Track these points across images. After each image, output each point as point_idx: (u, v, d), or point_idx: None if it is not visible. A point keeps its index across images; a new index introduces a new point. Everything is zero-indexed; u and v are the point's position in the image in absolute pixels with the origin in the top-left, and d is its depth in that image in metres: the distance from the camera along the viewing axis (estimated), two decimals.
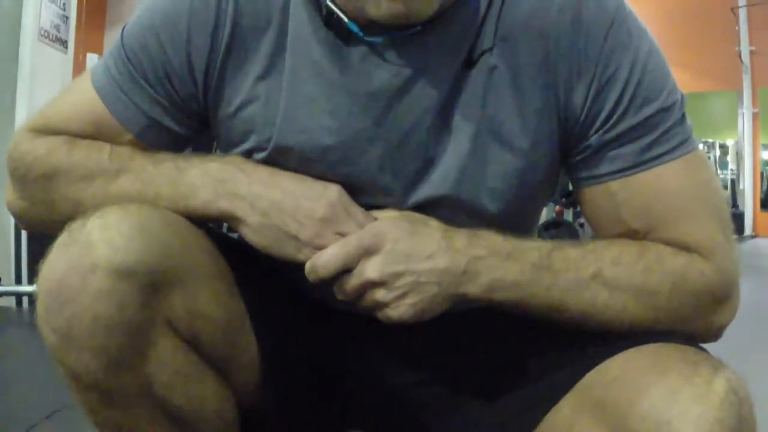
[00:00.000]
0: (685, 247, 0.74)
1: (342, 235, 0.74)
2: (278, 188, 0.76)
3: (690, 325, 0.74)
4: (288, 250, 0.75)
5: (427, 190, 0.77)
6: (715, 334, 0.76)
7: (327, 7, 0.75)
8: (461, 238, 0.73)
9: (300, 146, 0.77)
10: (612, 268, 0.73)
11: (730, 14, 7.88)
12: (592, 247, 0.75)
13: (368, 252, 0.72)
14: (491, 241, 0.74)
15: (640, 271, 0.73)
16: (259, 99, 0.78)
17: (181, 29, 0.78)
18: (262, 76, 0.78)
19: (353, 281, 0.73)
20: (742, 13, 7.99)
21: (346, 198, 0.76)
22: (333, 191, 0.76)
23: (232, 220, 0.76)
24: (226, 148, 0.81)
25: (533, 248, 0.74)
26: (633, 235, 0.76)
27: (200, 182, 0.76)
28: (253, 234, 0.76)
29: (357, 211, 0.76)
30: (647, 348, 0.69)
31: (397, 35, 0.74)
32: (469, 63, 0.75)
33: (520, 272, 0.73)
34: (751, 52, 8.05)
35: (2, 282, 2.98)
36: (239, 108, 0.79)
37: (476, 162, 0.76)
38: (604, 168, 0.76)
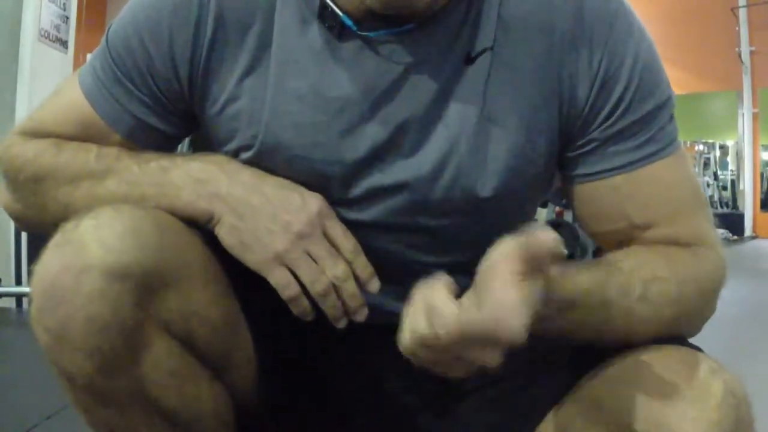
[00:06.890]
0: (686, 243, 0.75)
1: (310, 254, 0.74)
2: (258, 194, 0.75)
3: (701, 321, 0.76)
4: (252, 258, 0.74)
5: (421, 186, 0.76)
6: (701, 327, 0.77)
7: (322, 0, 0.74)
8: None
9: (288, 143, 0.76)
10: (654, 286, 0.71)
11: (730, 14, 7.86)
12: (631, 266, 0.72)
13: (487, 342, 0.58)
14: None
15: (675, 283, 0.72)
16: (244, 96, 0.77)
17: (163, 28, 0.77)
18: (247, 72, 0.77)
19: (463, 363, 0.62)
20: (742, 14, 7.97)
21: (327, 212, 0.76)
22: (313, 205, 0.75)
23: (209, 220, 0.76)
24: (216, 146, 0.81)
25: (592, 291, 0.68)
26: (632, 230, 0.76)
27: (182, 182, 0.76)
28: (225, 234, 0.75)
29: (336, 226, 0.76)
30: (645, 350, 0.69)
31: (391, 31, 0.73)
32: (468, 60, 0.75)
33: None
34: (751, 53, 8.03)
35: (2, 283, 2.98)
36: (224, 106, 0.78)
37: (472, 158, 0.75)
38: (608, 163, 0.76)
